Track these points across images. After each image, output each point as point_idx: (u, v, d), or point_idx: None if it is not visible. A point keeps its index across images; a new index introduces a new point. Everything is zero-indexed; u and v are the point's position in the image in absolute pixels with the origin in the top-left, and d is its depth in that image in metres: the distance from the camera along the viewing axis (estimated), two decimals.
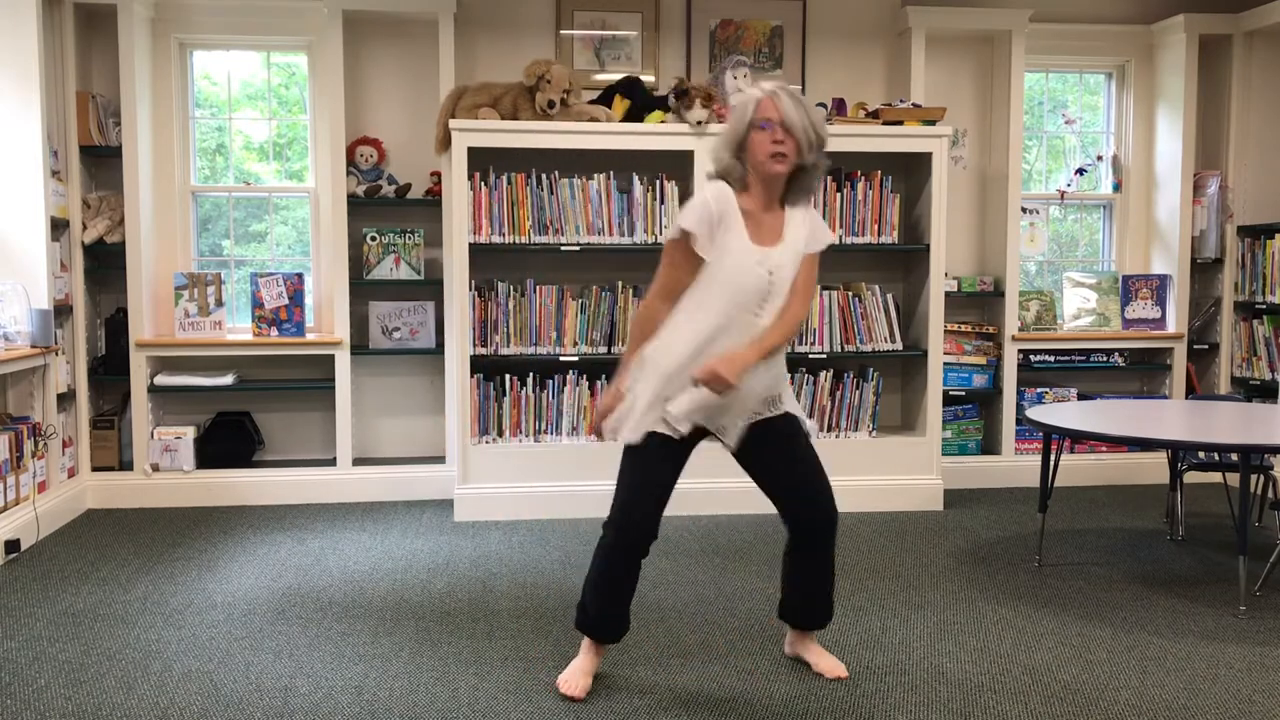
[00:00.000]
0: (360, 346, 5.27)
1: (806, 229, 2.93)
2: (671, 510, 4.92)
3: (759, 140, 2.81)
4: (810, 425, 3.07)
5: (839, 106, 5.25)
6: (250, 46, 5.39)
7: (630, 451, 2.93)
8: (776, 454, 2.99)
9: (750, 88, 2.90)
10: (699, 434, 2.96)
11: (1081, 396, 5.70)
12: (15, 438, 4.43)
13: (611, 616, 3.00)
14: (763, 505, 5.07)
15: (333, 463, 5.27)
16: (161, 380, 5.13)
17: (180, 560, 4.23)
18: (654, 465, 2.92)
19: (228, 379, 5.16)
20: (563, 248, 4.92)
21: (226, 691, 2.97)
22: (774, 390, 2.98)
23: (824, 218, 5.05)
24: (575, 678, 2.99)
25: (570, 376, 4.99)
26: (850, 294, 5.13)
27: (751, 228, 2.86)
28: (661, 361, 2.88)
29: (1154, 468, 5.62)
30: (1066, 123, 5.93)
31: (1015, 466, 5.57)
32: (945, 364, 5.33)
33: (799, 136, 2.80)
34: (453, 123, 4.80)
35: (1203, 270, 5.84)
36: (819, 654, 3.16)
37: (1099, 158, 5.95)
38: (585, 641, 3.04)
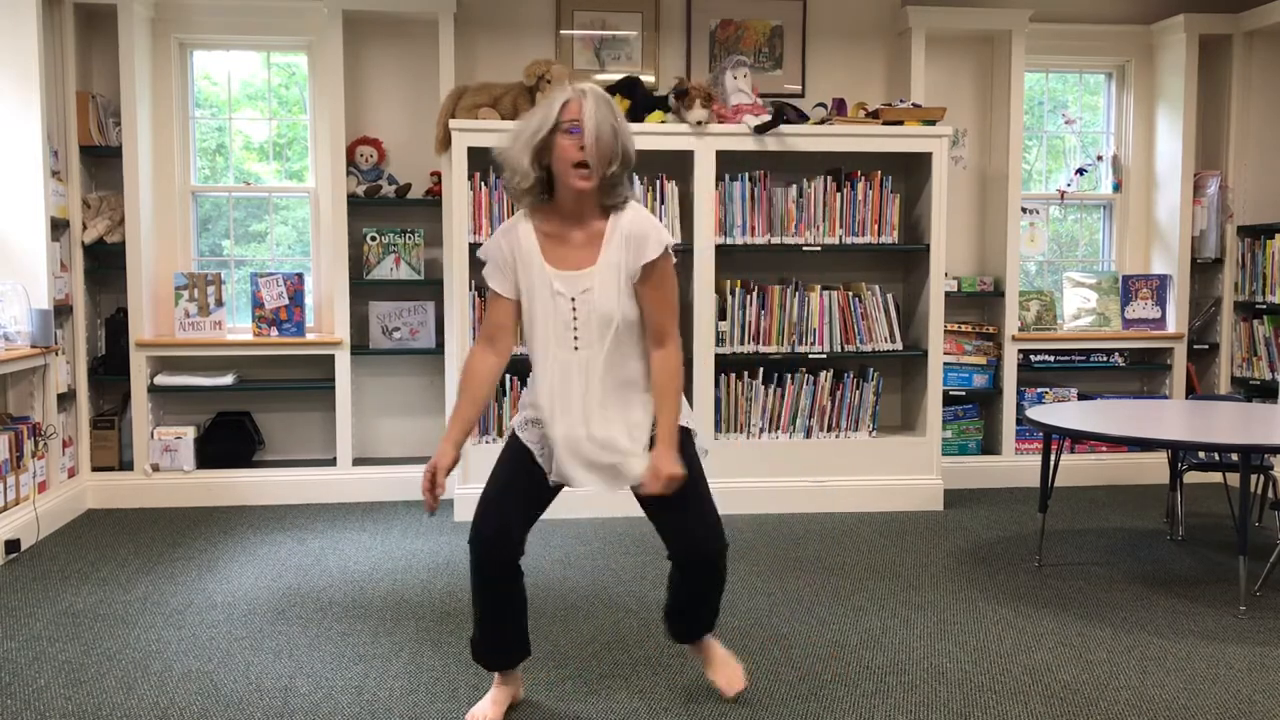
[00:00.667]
0: (360, 346, 5.27)
1: (628, 242, 2.61)
2: None
3: (565, 146, 2.53)
4: (698, 445, 2.76)
5: (839, 106, 5.25)
6: (250, 46, 5.39)
7: (499, 460, 2.75)
8: (665, 500, 2.65)
9: (561, 88, 2.62)
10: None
11: (1081, 396, 5.70)
12: (15, 438, 4.43)
13: (499, 642, 2.76)
14: (762, 505, 5.05)
15: (333, 463, 5.27)
16: (161, 380, 5.13)
17: (180, 560, 4.23)
18: (517, 492, 2.69)
19: (228, 379, 5.16)
20: None
21: (226, 691, 2.97)
22: (636, 434, 2.66)
23: (823, 218, 5.06)
24: (484, 707, 2.79)
25: None
26: (850, 294, 5.13)
27: (553, 250, 2.64)
28: (538, 392, 2.68)
29: (1154, 468, 5.62)
30: (1066, 123, 5.93)
31: (1015, 466, 5.57)
32: (945, 364, 5.33)
33: (603, 148, 2.50)
34: (453, 123, 4.80)
35: (1203, 270, 5.84)
36: (719, 662, 2.91)
37: (1099, 158, 5.95)
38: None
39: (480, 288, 4.96)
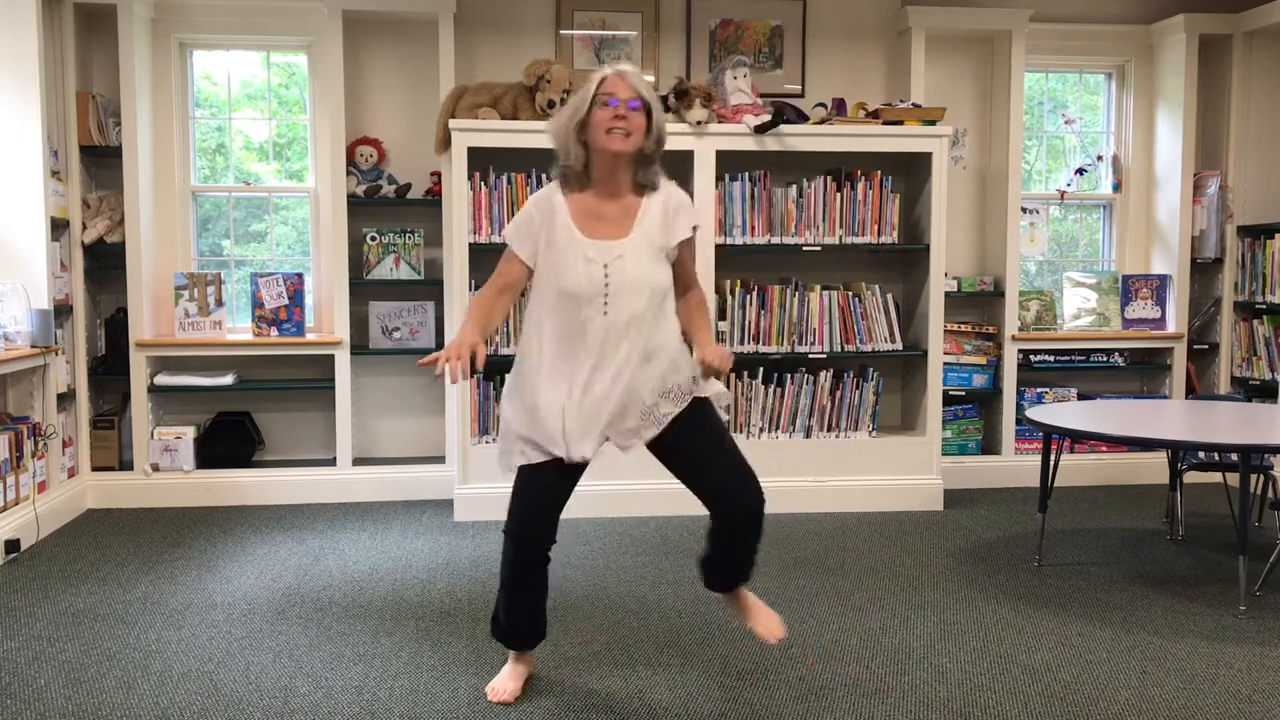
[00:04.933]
0: (360, 346, 5.27)
1: (661, 213, 2.78)
2: (671, 510, 4.96)
3: (600, 116, 2.67)
4: (717, 390, 2.88)
5: (839, 106, 5.25)
6: (250, 46, 5.39)
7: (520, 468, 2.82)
8: (687, 448, 2.82)
9: (601, 68, 2.77)
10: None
11: (1081, 396, 5.70)
12: (15, 438, 4.43)
13: (522, 624, 2.92)
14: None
15: (333, 463, 5.27)
16: (161, 380, 5.13)
17: (180, 560, 4.23)
18: (544, 479, 2.78)
19: (228, 379, 5.16)
20: None
21: (226, 691, 2.97)
22: (667, 383, 2.79)
23: (823, 218, 5.06)
24: (503, 683, 2.94)
25: None
26: (850, 294, 5.13)
27: (586, 222, 2.75)
28: (525, 394, 2.78)
29: (1154, 468, 5.62)
30: (1066, 123, 5.93)
31: (1015, 466, 5.57)
32: (945, 364, 5.33)
33: (654, 117, 2.69)
34: (453, 123, 4.80)
35: (1203, 270, 5.84)
36: (756, 611, 2.99)
37: (1099, 158, 5.95)
38: (511, 653, 3.00)
39: (480, 287, 4.95)
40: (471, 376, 2.84)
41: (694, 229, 2.86)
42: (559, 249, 2.75)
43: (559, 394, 2.74)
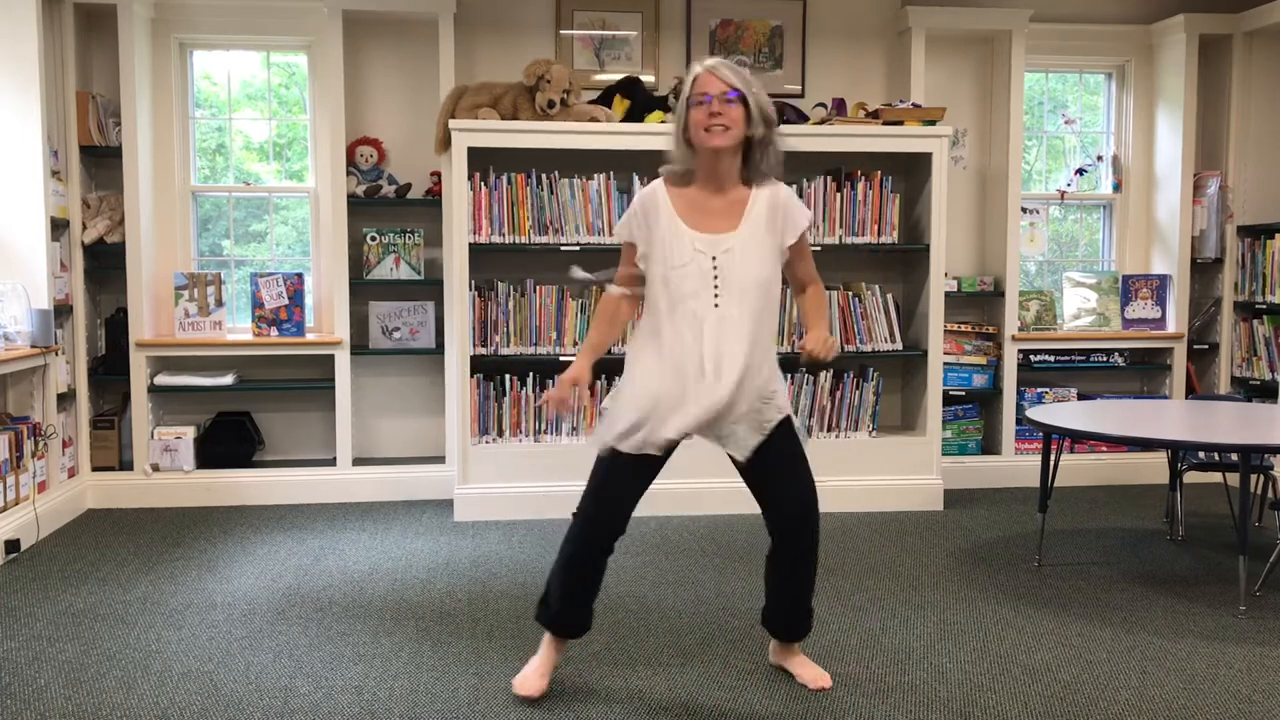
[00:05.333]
0: (360, 346, 5.27)
1: (768, 212, 2.78)
2: (671, 510, 4.96)
3: (697, 117, 2.69)
4: (799, 424, 2.97)
5: (839, 106, 5.25)
6: (250, 46, 5.39)
7: (595, 471, 2.87)
8: (770, 456, 2.87)
9: (693, 66, 2.78)
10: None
11: (1081, 396, 5.70)
12: (15, 438, 4.43)
13: (573, 611, 2.94)
14: None
15: (333, 463, 5.27)
16: (161, 380, 5.13)
17: (180, 560, 4.23)
18: (628, 471, 2.83)
19: (228, 379, 5.16)
20: (563, 248, 4.92)
21: (226, 691, 2.97)
22: (769, 387, 2.85)
23: (823, 218, 5.06)
24: (531, 679, 2.94)
25: None
26: (850, 294, 5.13)
27: (693, 215, 2.77)
28: (637, 381, 2.81)
29: (1154, 468, 5.62)
30: (1066, 123, 5.93)
31: (1015, 466, 5.57)
32: (945, 364, 5.33)
33: (751, 105, 2.70)
34: (453, 123, 4.80)
35: (1203, 270, 5.84)
36: (802, 664, 3.08)
37: (1099, 158, 5.95)
38: (545, 638, 2.99)
39: (480, 287, 4.96)
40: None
41: (809, 223, 2.88)
42: (665, 241, 2.77)
43: (668, 385, 2.76)
